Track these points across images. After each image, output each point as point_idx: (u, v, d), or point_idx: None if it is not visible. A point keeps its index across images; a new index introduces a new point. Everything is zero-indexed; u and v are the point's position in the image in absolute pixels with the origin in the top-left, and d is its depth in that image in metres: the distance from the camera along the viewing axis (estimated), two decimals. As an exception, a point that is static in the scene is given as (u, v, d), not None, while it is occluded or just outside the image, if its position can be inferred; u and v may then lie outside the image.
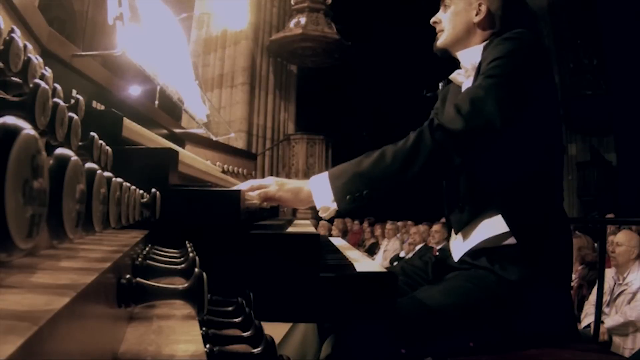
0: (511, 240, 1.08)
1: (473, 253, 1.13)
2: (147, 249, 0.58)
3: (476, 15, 1.21)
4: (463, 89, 1.26)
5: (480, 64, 1.13)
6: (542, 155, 1.12)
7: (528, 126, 1.05)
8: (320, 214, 1.09)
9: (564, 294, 1.15)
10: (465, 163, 1.03)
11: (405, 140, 1.02)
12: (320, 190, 1.07)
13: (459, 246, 1.20)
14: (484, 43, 1.20)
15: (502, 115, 0.99)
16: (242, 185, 1.15)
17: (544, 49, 1.19)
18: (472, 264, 1.12)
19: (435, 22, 1.29)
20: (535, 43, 1.12)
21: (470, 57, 1.22)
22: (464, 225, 1.17)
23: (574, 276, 3.36)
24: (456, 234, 1.22)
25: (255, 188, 1.12)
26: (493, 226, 1.10)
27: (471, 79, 1.19)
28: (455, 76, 1.29)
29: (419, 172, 1.00)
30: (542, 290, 1.04)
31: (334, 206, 1.05)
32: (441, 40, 1.27)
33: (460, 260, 1.17)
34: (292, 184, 1.13)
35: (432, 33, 1.33)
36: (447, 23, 1.25)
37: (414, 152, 1.00)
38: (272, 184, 1.12)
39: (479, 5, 1.21)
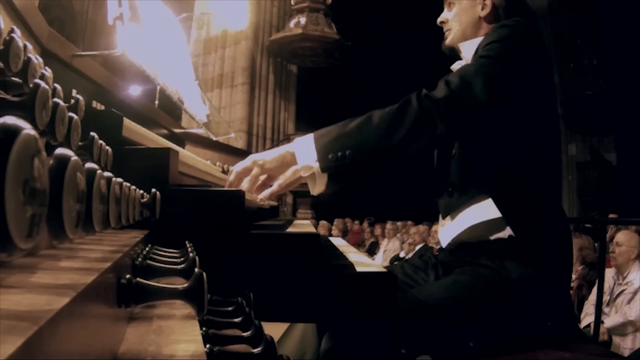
0: (507, 231, 1.08)
1: (472, 250, 1.13)
2: (147, 249, 0.58)
3: (482, 9, 1.22)
4: None
5: (477, 48, 1.14)
6: (535, 143, 1.12)
7: (521, 111, 1.05)
8: (303, 174, 1.05)
9: (564, 292, 1.15)
10: (451, 133, 1.01)
11: (392, 106, 1.02)
12: (303, 150, 1.04)
13: (447, 230, 1.19)
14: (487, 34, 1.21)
15: (489, 91, 0.99)
16: (232, 179, 1.13)
17: (540, 37, 1.19)
18: (471, 261, 1.12)
19: (442, 22, 1.29)
20: (530, 31, 1.12)
21: (472, 48, 1.22)
22: (454, 210, 1.17)
23: (573, 276, 3.36)
24: (444, 218, 1.22)
25: (241, 174, 1.08)
26: (483, 211, 1.10)
27: None
28: (456, 66, 1.30)
29: (405, 136, 0.98)
30: (542, 287, 1.04)
31: (316, 165, 1.02)
32: (450, 39, 1.27)
33: (456, 253, 1.17)
34: (273, 153, 1.08)
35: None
36: (454, 21, 1.26)
37: (400, 115, 0.99)
38: (254, 167, 1.07)
39: None
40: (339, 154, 1.00)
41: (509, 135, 1.07)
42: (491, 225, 1.09)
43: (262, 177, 1.08)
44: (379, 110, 1.02)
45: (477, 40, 1.21)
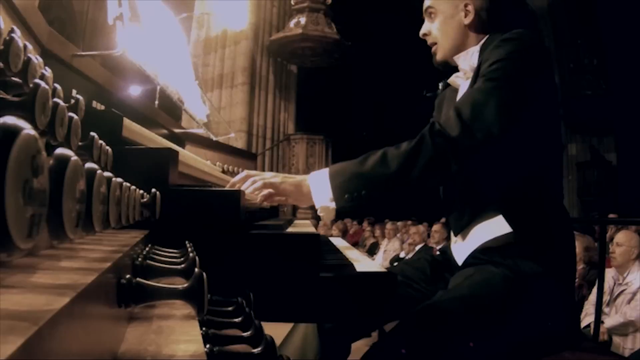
0: (517, 242, 1.08)
1: (479, 251, 1.13)
2: (147, 249, 0.58)
3: (465, 17, 1.20)
4: (460, 92, 1.25)
5: (479, 65, 1.13)
6: (541, 155, 1.12)
7: (528, 127, 1.05)
8: (319, 213, 1.09)
9: (569, 292, 1.15)
10: (463, 169, 1.04)
11: (407, 144, 1.03)
12: (319, 188, 1.07)
13: (461, 249, 1.19)
14: (480, 43, 1.19)
15: (502, 122, 1.00)
16: (238, 177, 1.15)
17: (543, 47, 1.18)
18: (484, 259, 1.12)
19: (425, 35, 1.26)
20: (535, 43, 1.11)
21: (468, 59, 1.21)
22: (464, 227, 1.17)
23: (574, 276, 3.35)
24: (456, 235, 1.22)
25: (252, 176, 1.12)
26: (495, 227, 1.10)
27: (469, 81, 1.18)
28: (454, 79, 1.28)
29: (418, 177, 1.01)
30: (552, 286, 1.05)
31: (332, 205, 1.06)
32: (441, 54, 1.24)
33: (465, 261, 1.17)
34: (295, 178, 1.13)
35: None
36: (438, 33, 1.23)
37: (414, 157, 1.01)
38: (276, 177, 1.12)
39: (465, 6, 1.19)
40: (355, 194, 1.04)
41: (517, 152, 1.06)
42: (501, 239, 1.09)
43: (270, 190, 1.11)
44: (394, 148, 1.04)
45: (472, 50, 1.20)
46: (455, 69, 1.27)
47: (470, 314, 1.00)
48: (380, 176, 1.02)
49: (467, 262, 1.17)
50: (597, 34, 10.05)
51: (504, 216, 1.08)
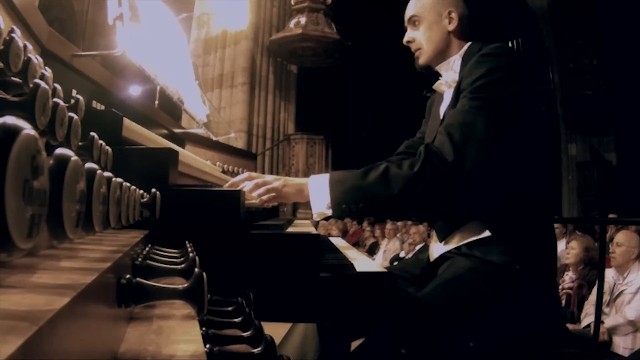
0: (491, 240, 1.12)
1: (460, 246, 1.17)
2: (147, 249, 0.58)
3: (449, 23, 1.23)
4: (444, 100, 1.29)
5: (460, 79, 1.16)
6: (526, 165, 1.15)
7: (515, 141, 1.09)
8: (315, 218, 1.13)
9: (549, 287, 1.16)
10: (456, 191, 1.08)
11: (409, 169, 1.05)
12: (318, 194, 1.11)
13: (439, 249, 1.23)
14: (462, 51, 1.23)
15: (491, 139, 1.04)
16: (239, 177, 1.17)
17: (521, 58, 1.22)
18: (451, 251, 1.17)
19: (409, 42, 1.30)
20: (513, 57, 1.14)
21: (449, 68, 1.25)
22: (448, 234, 1.20)
23: (574, 276, 3.36)
24: (440, 241, 1.24)
25: (254, 178, 1.16)
26: (474, 231, 1.13)
27: (451, 90, 1.22)
28: (439, 85, 1.32)
29: (416, 198, 1.06)
30: (526, 281, 1.06)
31: (328, 212, 1.10)
32: (424, 59, 1.28)
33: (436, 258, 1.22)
34: (296, 180, 1.18)
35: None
36: (423, 40, 1.26)
37: (415, 180, 1.04)
38: (278, 181, 1.15)
39: (449, 13, 1.23)
40: (352, 205, 1.08)
41: (501, 165, 1.08)
42: (480, 240, 1.12)
43: (273, 194, 1.15)
44: (395, 167, 1.07)
45: (453, 59, 1.24)
46: (436, 73, 1.32)
47: (442, 309, 1.03)
48: (379, 195, 1.06)
49: (439, 257, 1.22)
50: (597, 34, 10.04)
51: (488, 228, 1.11)
